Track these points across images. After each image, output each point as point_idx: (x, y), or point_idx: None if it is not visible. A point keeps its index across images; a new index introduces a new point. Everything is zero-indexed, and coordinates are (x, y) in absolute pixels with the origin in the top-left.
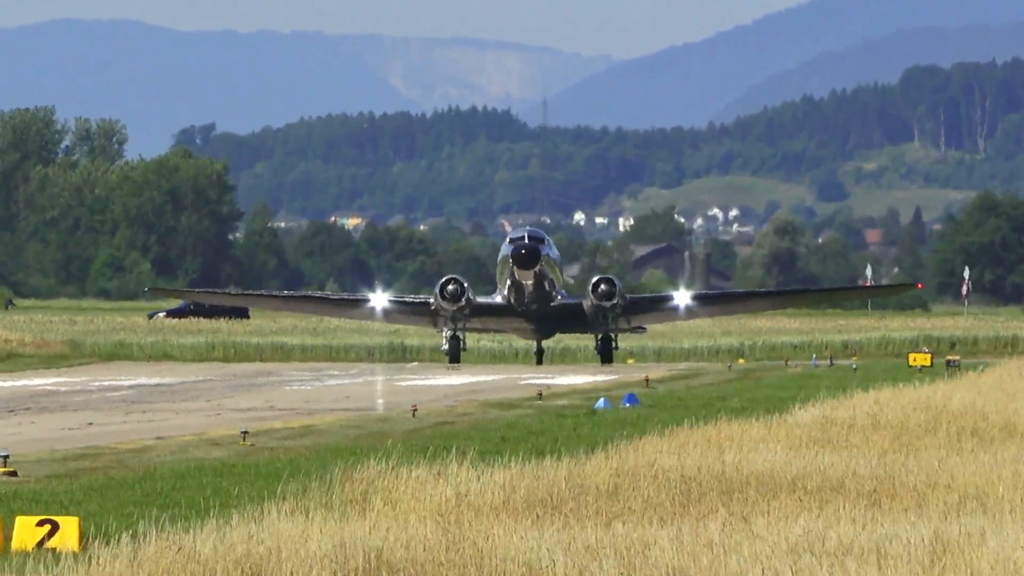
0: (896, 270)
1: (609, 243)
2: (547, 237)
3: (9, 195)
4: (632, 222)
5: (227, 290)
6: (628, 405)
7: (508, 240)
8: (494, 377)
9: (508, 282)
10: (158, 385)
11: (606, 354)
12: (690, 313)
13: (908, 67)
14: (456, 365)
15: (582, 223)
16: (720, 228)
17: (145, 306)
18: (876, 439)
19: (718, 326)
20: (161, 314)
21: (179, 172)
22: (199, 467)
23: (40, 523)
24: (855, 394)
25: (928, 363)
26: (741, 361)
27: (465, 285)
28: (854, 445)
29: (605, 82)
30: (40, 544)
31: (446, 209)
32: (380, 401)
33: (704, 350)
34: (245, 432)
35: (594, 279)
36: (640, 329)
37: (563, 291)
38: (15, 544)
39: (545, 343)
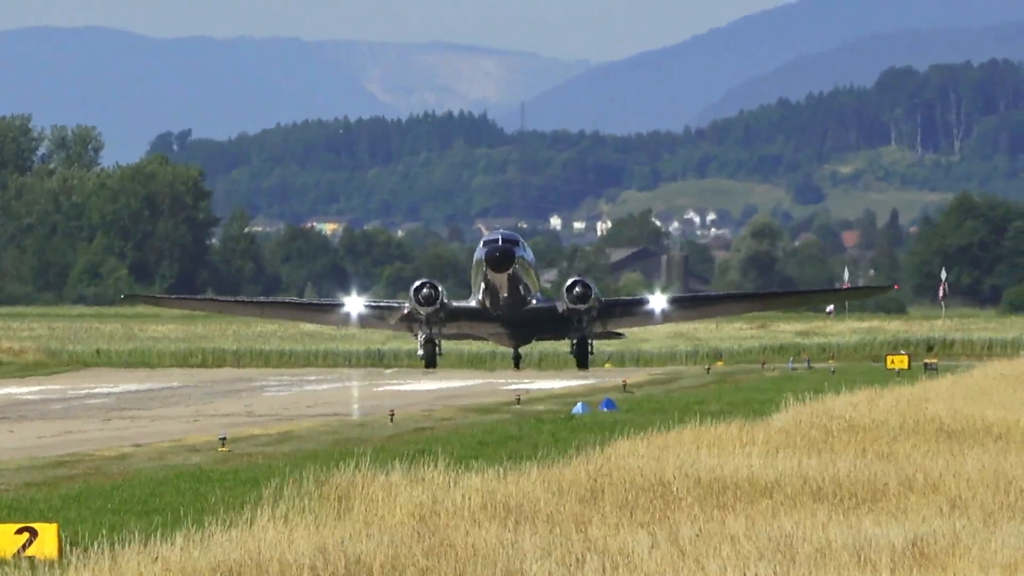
0: (873, 272)
1: (587, 247)
2: (522, 240)
3: None
4: (609, 226)
5: (204, 296)
6: (606, 410)
7: (482, 243)
8: (472, 382)
9: (482, 285)
10: (136, 392)
11: (582, 359)
12: (666, 316)
13: (884, 69)
14: (432, 370)
15: (559, 227)
16: (697, 232)
17: (125, 312)
18: (854, 442)
19: (697, 329)
20: None
21: (156, 178)
22: (177, 474)
23: (19, 531)
24: (833, 397)
25: (906, 366)
26: (719, 364)
27: (439, 289)
28: (832, 448)
29: (582, 86)
30: (19, 552)
31: (423, 214)
32: (357, 406)
33: (682, 354)
34: (223, 438)
35: (568, 282)
36: (618, 335)
37: (539, 295)
38: None
39: (522, 348)
